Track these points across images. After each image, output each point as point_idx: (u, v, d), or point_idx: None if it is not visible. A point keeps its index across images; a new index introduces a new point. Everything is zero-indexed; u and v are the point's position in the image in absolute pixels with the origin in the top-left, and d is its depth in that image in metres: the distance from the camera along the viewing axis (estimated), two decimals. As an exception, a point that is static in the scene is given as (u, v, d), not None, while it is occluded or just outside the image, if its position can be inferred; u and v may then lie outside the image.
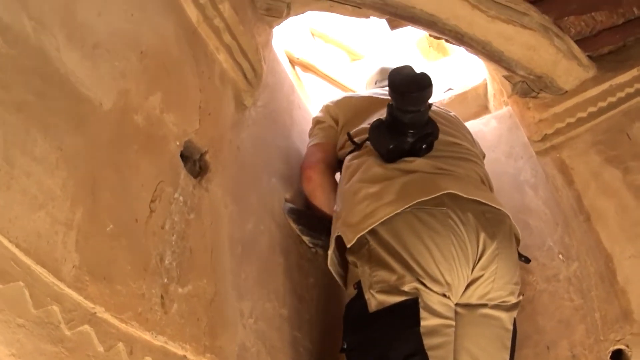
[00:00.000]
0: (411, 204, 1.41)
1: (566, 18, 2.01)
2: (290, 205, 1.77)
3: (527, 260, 1.63)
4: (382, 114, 1.70)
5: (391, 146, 1.55)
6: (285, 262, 1.61)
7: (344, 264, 1.58)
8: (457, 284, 1.39)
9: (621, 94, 2.08)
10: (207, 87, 1.41)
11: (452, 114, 1.97)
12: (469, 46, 1.95)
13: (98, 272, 0.83)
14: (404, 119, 1.50)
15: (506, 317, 1.45)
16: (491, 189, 1.70)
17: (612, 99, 2.08)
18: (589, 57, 2.12)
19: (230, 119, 1.51)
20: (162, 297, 0.96)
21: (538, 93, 2.10)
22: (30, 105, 0.83)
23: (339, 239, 1.50)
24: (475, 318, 1.43)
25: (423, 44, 3.10)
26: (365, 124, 1.78)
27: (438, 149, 1.60)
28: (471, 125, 2.26)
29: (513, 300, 1.47)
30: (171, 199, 1.08)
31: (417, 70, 1.50)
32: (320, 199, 1.83)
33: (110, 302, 0.84)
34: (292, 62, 3.13)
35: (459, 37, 1.90)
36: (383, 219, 1.41)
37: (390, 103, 1.53)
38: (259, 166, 1.66)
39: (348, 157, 1.74)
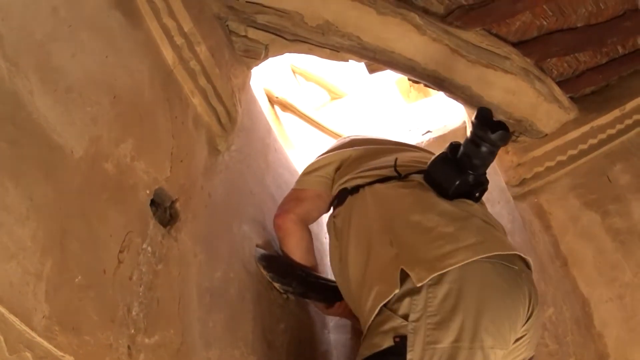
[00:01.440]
0: (492, 254, 1.44)
1: (549, 60, 2.13)
2: (261, 251, 1.86)
3: None
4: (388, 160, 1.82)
5: (458, 182, 1.63)
6: (255, 308, 1.68)
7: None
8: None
9: (602, 136, 2.21)
10: (180, 132, 1.50)
11: None
12: (448, 91, 2.08)
13: (67, 323, 0.90)
14: (477, 153, 1.61)
15: None
16: None
17: (593, 141, 2.20)
18: (571, 98, 2.25)
19: (203, 164, 1.60)
20: (129, 347, 1.03)
21: (517, 137, 2.22)
22: (2, 152, 0.89)
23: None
24: None
25: (403, 83, 3.24)
26: (389, 160, 1.83)
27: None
28: (449, 169, 2.36)
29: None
30: (139, 249, 1.16)
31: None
32: (289, 248, 1.91)
33: (79, 351, 0.91)
34: (271, 101, 3.24)
35: (438, 82, 2.03)
36: (463, 263, 1.39)
37: (467, 138, 1.65)
38: (230, 213, 1.75)
39: (381, 186, 1.73)
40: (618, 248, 1.97)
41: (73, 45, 1.13)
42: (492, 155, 1.64)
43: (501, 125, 1.60)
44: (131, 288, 1.10)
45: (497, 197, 2.32)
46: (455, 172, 1.64)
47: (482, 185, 1.69)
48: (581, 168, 2.17)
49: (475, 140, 1.61)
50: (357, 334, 2.04)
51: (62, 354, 0.88)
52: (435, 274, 1.38)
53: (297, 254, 1.90)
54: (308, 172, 1.99)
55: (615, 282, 1.92)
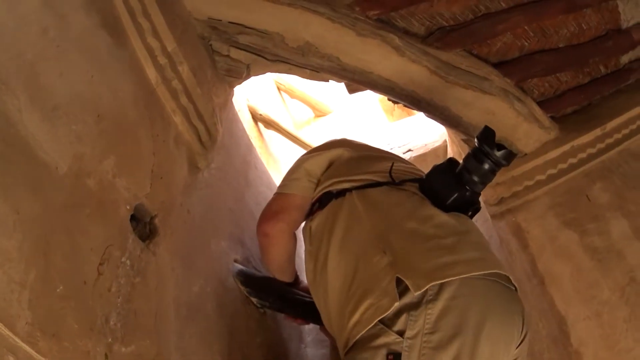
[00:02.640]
0: (491, 271, 1.47)
1: (529, 80, 2.22)
2: (239, 267, 1.96)
3: None
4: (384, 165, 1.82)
5: (456, 194, 1.66)
6: (231, 323, 1.77)
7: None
8: None
9: (582, 155, 2.31)
10: (161, 150, 1.61)
11: None
12: (426, 111, 2.17)
13: (48, 330, 1.00)
14: (478, 169, 1.66)
15: None
16: None
17: (573, 160, 2.30)
18: (552, 117, 2.34)
19: (183, 182, 1.71)
20: (106, 355, 1.12)
21: (497, 156, 2.31)
22: (-9, 168, 0.98)
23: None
24: None
25: (387, 102, 3.35)
26: (381, 167, 1.83)
27: None
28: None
29: None
30: (118, 262, 1.26)
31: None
32: (272, 256, 1.94)
33: (59, 357, 1.00)
34: (255, 118, 3.35)
35: (416, 103, 2.13)
36: (462, 276, 1.40)
37: (469, 153, 1.69)
38: (209, 229, 1.85)
39: (373, 191, 1.71)
40: (596, 266, 2.06)
41: (61, 64, 1.23)
42: (492, 173, 1.69)
43: (503, 147, 1.65)
44: (110, 299, 1.19)
45: (475, 216, 2.39)
46: (454, 184, 1.67)
47: (474, 204, 1.73)
48: (560, 187, 2.27)
49: (478, 156, 1.66)
50: (335, 349, 2.12)
51: (43, 358, 0.97)
52: (434, 284, 1.38)
53: (277, 262, 1.95)
54: (296, 176, 1.91)
55: (593, 300, 2.00)
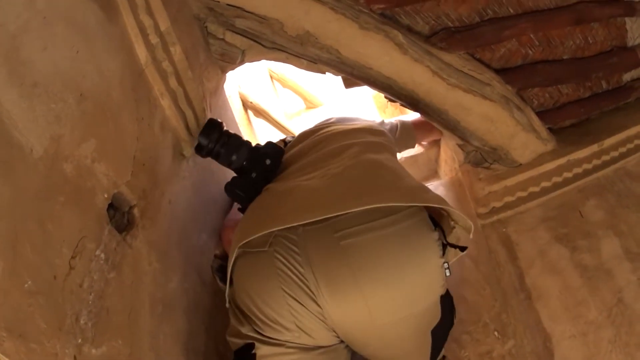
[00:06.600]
0: (234, 253, 1.51)
1: (530, 89, 2.20)
2: (219, 262, 1.89)
3: (463, 249, 1.67)
4: None
5: (243, 194, 1.79)
6: (209, 320, 1.73)
7: None
8: (311, 327, 1.47)
9: (578, 170, 2.31)
10: (145, 135, 1.53)
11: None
12: (424, 113, 2.13)
13: (14, 329, 0.93)
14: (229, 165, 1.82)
15: None
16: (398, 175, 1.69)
17: (568, 175, 2.30)
18: (550, 129, 2.32)
19: (166, 170, 1.64)
20: (75, 357, 1.06)
21: (491, 164, 2.29)
22: (-40, 150, 0.91)
23: None
24: None
25: (380, 98, 3.30)
26: None
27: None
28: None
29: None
30: (92, 256, 1.19)
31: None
32: None
33: (25, 359, 0.93)
34: (245, 106, 3.29)
35: (414, 103, 2.09)
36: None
37: None
38: (190, 221, 1.79)
39: None
40: (585, 285, 2.05)
41: (46, 38, 1.15)
42: (227, 150, 1.80)
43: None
44: (81, 296, 1.12)
45: (465, 224, 2.37)
46: (239, 185, 1.80)
47: (264, 157, 1.83)
48: (553, 201, 2.26)
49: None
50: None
51: (8, 361, 0.91)
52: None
53: None
54: None
55: (579, 319, 2.00)
